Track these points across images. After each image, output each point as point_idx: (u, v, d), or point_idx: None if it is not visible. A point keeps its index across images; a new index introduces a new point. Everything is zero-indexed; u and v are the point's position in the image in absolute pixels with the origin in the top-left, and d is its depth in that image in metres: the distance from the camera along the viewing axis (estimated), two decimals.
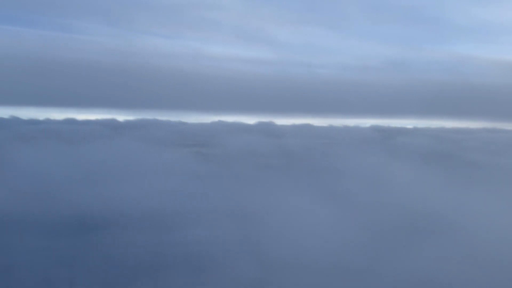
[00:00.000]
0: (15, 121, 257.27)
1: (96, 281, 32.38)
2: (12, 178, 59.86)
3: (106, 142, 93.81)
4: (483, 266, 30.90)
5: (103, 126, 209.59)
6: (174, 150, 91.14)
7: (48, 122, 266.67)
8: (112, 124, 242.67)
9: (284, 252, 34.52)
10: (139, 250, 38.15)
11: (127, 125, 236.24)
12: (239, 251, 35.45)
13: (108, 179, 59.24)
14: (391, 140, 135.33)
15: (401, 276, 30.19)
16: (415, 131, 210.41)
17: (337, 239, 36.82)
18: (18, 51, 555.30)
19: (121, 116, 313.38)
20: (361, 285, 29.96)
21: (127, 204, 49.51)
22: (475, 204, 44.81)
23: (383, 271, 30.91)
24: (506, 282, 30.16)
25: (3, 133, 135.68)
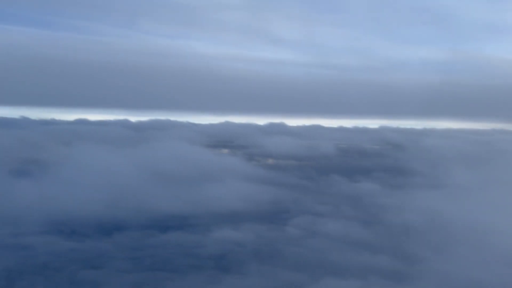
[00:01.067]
0: (26, 121, 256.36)
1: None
2: (96, 182, 60.15)
3: (158, 144, 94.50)
4: None
5: (125, 127, 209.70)
6: (222, 152, 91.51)
7: (60, 122, 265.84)
8: (131, 125, 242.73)
9: None
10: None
11: (145, 125, 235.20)
12: None
13: (186, 181, 60.17)
14: (421, 143, 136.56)
15: None
16: (430, 132, 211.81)
17: None
18: (25, 52, 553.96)
19: (129, 116, 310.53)
20: None
21: (221, 205, 50.64)
22: None
23: None
24: None
25: (38, 134, 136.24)
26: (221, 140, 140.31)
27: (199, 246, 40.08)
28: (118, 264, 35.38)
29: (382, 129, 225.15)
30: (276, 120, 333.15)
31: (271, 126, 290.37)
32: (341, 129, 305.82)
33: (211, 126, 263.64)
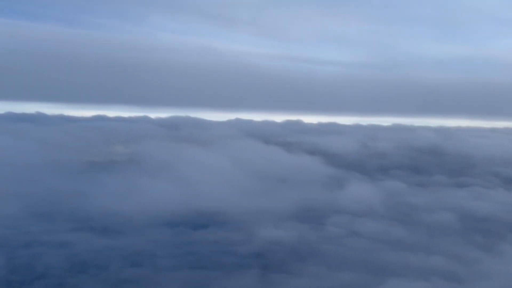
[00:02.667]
0: (47, 117, 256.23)
1: None
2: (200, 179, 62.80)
3: (233, 142, 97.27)
4: None
5: (155, 125, 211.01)
6: (292, 151, 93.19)
7: (81, 119, 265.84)
8: (157, 122, 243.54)
9: None
10: None
11: (172, 122, 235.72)
12: None
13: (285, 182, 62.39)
14: (464, 142, 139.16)
15: None
16: (457, 131, 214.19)
17: None
18: (35, 47, 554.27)
19: (145, 113, 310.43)
20: None
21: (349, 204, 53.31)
22: None
23: None
24: None
25: (82, 131, 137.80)
26: (271, 138, 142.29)
27: (238, 244, 39.72)
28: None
29: (411, 128, 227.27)
30: (292, 117, 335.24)
31: (291, 124, 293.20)
32: (358, 127, 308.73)
33: (250, 123, 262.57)
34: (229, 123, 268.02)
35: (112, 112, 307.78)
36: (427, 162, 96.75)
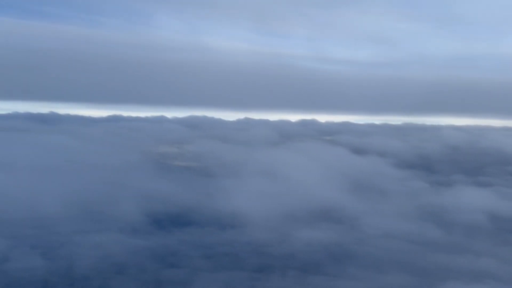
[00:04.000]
0: (64, 118, 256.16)
1: None
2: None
3: (301, 144, 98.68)
4: None
5: (180, 125, 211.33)
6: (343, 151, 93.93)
7: (98, 120, 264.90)
8: (178, 122, 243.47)
9: None
10: None
11: (193, 122, 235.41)
12: None
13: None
14: (500, 142, 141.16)
15: None
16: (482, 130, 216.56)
17: None
18: (40, 46, 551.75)
19: (161, 113, 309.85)
20: None
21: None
22: None
23: None
24: None
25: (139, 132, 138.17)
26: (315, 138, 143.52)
27: (270, 245, 39.33)
28: None
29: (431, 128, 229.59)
30: (307, 116, 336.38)
31: (307, 123, 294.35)
32: (372, 126, 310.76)
33: (267, 122, 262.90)
34: (246, 123, 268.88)
35: (122, 112, 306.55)
36: (487, 163, 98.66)
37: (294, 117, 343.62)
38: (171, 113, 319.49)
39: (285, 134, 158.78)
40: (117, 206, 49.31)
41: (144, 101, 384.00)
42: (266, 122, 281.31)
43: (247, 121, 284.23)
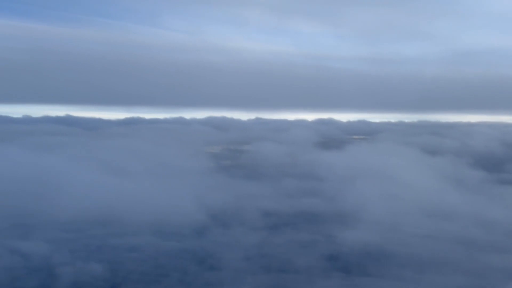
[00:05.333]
0: (82, 120, 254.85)
1: None
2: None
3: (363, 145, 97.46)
4: None
5: (206, 126, 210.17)
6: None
7: (114, 122, 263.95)
8: (201, 122, 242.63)
9: None
10: None
11: (214, 123, 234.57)
12: None
13: None
14: None
15: None
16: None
17: None
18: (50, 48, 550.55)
19: (183, 114, 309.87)
20: None
21: None
22: None
23: None
24: None
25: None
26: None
27: (309, 245, 37.87)
28: None
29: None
30: (324, 115, 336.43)
31: (325, 121, 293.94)
32: (389, 124, 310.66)
33: (285, 122, 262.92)
34: (262, 123, 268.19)
35: (135, 113, 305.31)
36: None
37: (309, 116, 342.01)
38: (188, 114, 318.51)
39: (323, 134, 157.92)
40: (242, 209, 48.22)
41: (154, 102, 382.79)
42: (284, 122, 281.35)
43: (268, 122, 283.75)
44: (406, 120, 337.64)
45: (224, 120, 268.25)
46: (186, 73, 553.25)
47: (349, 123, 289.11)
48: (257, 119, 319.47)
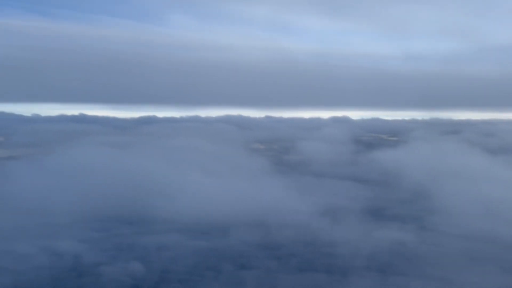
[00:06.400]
0: (95, 119, 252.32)
1: None
2: None
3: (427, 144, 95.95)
4: None
5: (227, 124, 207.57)
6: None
7: (130, 120, 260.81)
8: (225, 121, 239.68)
9: None
10: None
11: (232, 121, 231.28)
12: None
13: None
14: None
15: None
16: None
17: None
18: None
19: (198, 112, 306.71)
20: None
21: None
22: None
23: None
24: None
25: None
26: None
27: (333, 245, 36.63)
28: None
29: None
30: (339, 114, 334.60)
31: (341, 120, 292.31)
32: (400, 122, 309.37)
33: (302, 120, 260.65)
34: (285, 121, 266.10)
35: (160, 112, 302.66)
36: None
37: (324, 114, 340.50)
38: (202, 113, 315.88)
39: (349, 133, 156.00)
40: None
41: (165, 101, 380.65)
42: (301, 120, 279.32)
43: (282, 120, 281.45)
44: (419, 118, 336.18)
45: (241, 118, 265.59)
46: (196, 71, 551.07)
47: (363, 121, 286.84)
48: (267, 117, 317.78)
